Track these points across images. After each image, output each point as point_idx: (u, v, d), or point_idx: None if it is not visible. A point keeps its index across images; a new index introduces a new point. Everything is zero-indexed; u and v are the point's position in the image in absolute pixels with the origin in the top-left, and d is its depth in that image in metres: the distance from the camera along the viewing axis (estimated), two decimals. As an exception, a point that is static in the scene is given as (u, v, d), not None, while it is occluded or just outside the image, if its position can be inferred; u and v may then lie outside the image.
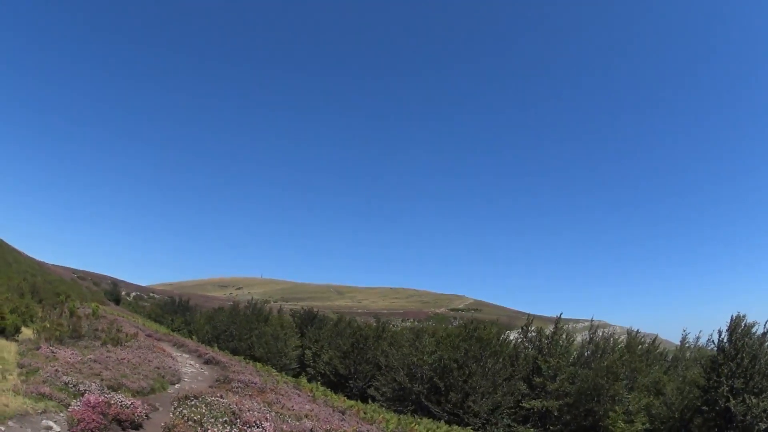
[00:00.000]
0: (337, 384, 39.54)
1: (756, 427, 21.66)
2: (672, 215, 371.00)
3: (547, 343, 31.72)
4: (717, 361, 23.53)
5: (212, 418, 9.28)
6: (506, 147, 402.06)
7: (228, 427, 8.77)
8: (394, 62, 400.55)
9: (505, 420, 29.08)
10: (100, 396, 8.94)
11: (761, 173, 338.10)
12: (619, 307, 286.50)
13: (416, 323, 76.92)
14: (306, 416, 12.38)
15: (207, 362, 25.76)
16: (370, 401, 31.35)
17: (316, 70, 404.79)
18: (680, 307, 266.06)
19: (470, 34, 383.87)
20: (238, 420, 9.33)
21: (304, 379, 31.54)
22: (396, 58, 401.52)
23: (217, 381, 18.00)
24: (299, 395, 19.16)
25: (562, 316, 33.72)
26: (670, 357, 37.94)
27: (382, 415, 20.94)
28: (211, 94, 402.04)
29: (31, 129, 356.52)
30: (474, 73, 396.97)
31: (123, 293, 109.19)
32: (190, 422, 8.94)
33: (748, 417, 21.70)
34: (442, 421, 26.69)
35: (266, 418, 9.80)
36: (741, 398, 22.00)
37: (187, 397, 11.27)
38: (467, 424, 27.64)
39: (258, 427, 9.09)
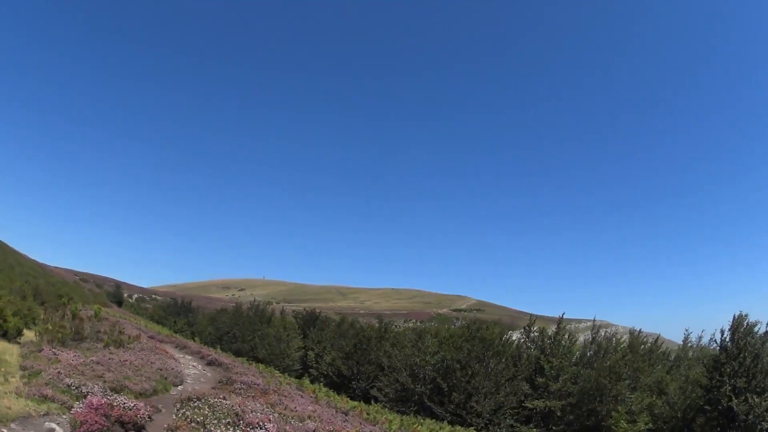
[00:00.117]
0: (340, 385, 39.57)
1: (758, 427, 21.66)
2: (673, 215, 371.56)
3: (550, 343, 31.69)
4: (719, 361, 23.53)
5: (215, 419, 9.29)
6: (507, 147, 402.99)
7: (231, 429, 8.77)
8: (394, 62, 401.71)
9: (507, 420, 29.07)
10: (102, 398, 8.95)
11: (761, 173, 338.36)
12: (621, 307, 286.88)
13: (419, 324, 76.98)
14: (309, 417, 12.39)
15: (210, 364, 25.73)
16: (373, 402, 31.38)
17: (316, 70, 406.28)
18: (682, 307, 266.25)
19: (470, 34, 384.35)
20: (241, 421, 9.33)
21: (306, 381, 31.56)
22: (396, 58, 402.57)
23: (219, 382, 17.97)
24: (302, 396, 19.16)
25: (565, 316, 33.70)
26: (673, 357, 37.90)
27: (385, 416, 20.96)
28: (212, 94, 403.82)
29: (31, 129, 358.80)
30: (474, 73, 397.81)
31: (125, 295, 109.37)
32: (193, 424, 8.96)
33: (751, 416, 21.70)
34: (445, 422, 26.71)
35: (269, 420, 9.80)
36: (743, 397, 22.00)
37: (189, 399, 11.28)
38: (470, 425, 27.64)
39: (261, 428, 9.09)
